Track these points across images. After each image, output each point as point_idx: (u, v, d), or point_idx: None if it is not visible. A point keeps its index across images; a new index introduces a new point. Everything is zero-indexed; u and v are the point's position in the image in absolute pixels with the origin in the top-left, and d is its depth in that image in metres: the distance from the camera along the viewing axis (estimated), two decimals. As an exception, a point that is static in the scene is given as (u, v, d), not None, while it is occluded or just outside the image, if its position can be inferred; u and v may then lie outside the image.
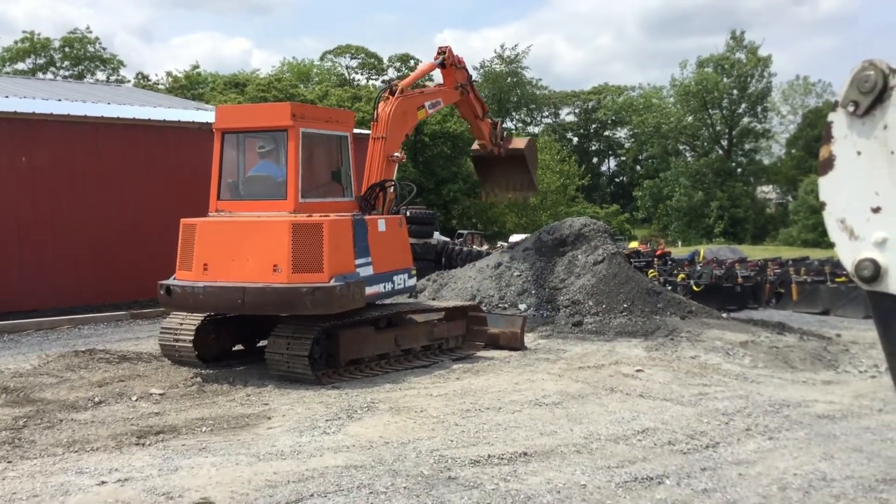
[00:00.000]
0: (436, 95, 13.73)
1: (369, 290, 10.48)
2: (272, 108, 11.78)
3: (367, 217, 10.84)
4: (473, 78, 14.90)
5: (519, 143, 15.85)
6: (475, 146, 15.87)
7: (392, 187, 11.73)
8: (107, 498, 5.89)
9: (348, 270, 10.15)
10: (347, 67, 76.35)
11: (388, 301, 11.83)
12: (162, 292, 10.48)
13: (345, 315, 10.31)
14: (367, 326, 10.71)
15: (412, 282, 11.74)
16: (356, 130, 11.96)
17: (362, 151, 12.00)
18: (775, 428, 7.68)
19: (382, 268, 10.88)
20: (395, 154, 11.97)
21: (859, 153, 1.99)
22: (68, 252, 17.82)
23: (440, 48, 13.93)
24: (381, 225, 11.06)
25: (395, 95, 12.38)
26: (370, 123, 12.51)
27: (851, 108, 1.99)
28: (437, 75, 14.59)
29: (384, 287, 10.96)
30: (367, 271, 10.51)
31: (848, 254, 2.02)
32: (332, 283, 9.78)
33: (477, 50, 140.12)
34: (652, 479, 6.18)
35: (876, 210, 1.96)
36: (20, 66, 60.53)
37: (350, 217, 10.48)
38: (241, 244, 10.17)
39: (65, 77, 58.31)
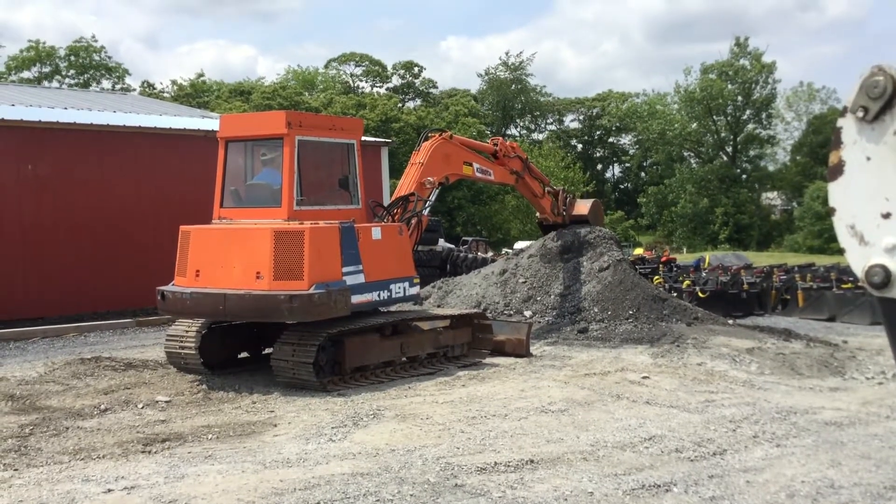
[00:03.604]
0: (488, 165, 13.98)
1: (360, 299, 10.40)
2: (270, 116, 11.84)
3: (358, 225, 10.66)
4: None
5: (583, 208, 15.96)
6: (540, 216, 16.12)
7: (415, 201, 11.95)
8: (113, 506, 5.88)
9: (333, 278, 10.06)
10: (352, 75, 76.59)
11: (393, 309, 11.81)
12: (159, 297, 10.69)
13: (350, 322, 10.30)
14: (372, 334, 10.69)
15: (414, 290, 11.56)
16: (365, 138, 12.03)
17: (372, 160, 12.08)
18: (783, 435, 7.65)
19: (377, 276, 10.71)
20: (430, 179, 12.23)
21: (869, 158, 1.97)
22: (73, 260, 17.86)
23: (492, 140, 14.53)
24: (377, 233, 10.92)
25: (441, 136, 12.86)
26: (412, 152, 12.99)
27: (861, 114, 1.98)
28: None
29: (378, 295, 10.79)
30: (356, 279, 10.38)
31: (858, 260, 2.00)
32: (312, 290, 9.73)
33: (481, 57, 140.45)
34: (659, 486, 6.16)
35: (886, 216, 1.94)
36: (26, 74, 60.81)
37: (337, 225, 10.32)
38: (230, 251, 10.24)
39: (70, 86, 58.57)
